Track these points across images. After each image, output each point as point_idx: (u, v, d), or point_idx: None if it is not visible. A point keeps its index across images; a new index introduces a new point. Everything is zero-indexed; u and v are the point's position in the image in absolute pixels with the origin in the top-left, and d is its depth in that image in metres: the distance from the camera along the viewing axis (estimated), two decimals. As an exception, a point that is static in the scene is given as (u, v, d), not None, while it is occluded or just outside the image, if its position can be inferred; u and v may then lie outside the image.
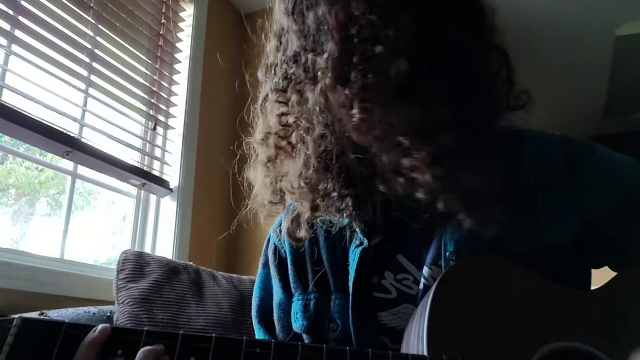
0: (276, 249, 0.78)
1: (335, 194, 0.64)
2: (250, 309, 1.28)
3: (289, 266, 0.75)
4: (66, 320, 0.50)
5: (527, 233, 0.64)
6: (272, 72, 0.66)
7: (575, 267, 0.66)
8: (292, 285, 0.74)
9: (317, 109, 0.61)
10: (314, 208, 0.65)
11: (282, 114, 0.65)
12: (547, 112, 3.62)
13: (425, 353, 0.53)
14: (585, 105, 3.49)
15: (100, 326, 0.49)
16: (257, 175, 0.72)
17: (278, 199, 0.70)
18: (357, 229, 0.68)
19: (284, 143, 0.66)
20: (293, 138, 0.65)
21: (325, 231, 0.70)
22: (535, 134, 0.71)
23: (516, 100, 0.66)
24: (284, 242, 0.76)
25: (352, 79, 0.58)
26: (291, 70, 0.63)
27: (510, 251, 0.62)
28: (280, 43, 0.65)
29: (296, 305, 0.72)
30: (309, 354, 0.50)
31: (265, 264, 0.81)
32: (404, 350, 0.60)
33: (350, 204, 0.65)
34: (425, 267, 0.65)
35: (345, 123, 0.60)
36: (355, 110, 0.58)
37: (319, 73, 0.59)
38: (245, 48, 0.92)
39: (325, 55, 0.58)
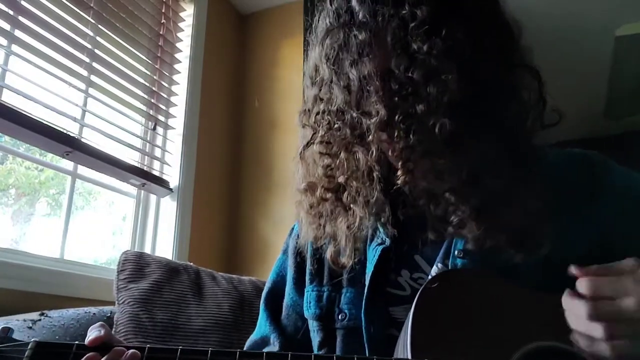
0: (298, 240, 0.81)
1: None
2: (250, 309, 1.31)
3: (308, 259, 0.79)
4: (77, 342, 0.54)
5: None
6: (313, 120, 0.68)
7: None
8: (307, 277, 0.78)
9: (371, 174, 0.63)
10: (357, 241, 0.69)
11: (328, 166, 0.67)
12: (545, 112, 3.62)
13: (409, 357, 0.55)
14: (586, 106, 3.49)
15: (131, 351, 0.54)
16: (299, 215, 0.74)
17: (322, 236, 0.72)
18: (381, 229, 0.72)
19: (329, 195, 0.68)
20: (344, 197, 0.67)
21: None
22: (555, 150, 0.72)
23: (549, 119, 0.66)
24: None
25: (395, 138, 0.59)
26: (336, 125, 0.65)
27: (516, 260, 0.63)
28: (320, 90, 0.67)
29: (310, 295, 0.76)
30: None
31: (285, 251, 0.85)
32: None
33: (387, 210, 0.69)
34: (435, 265, 0.68)
35: (396, 180, 0.62)
36: (399, 172, 0.61)
37: (369, 137, 0.61)
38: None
39: (375, 120, 0.60)
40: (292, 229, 0.87)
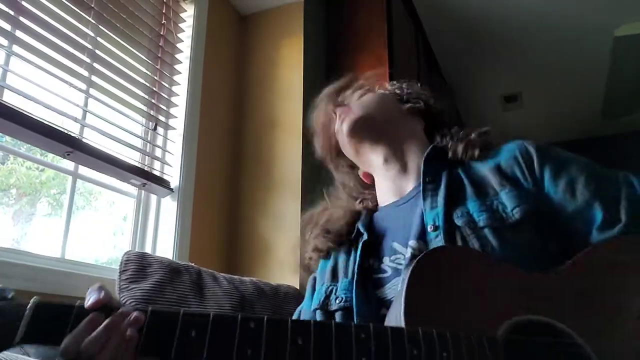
0: (314, 279, 0.99)
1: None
2: (251, 309, 1.37)
3: (317, 277, 0.96)
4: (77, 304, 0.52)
5: (490, 207, 0.78)
6: None
7: (543, 244, 0.75)
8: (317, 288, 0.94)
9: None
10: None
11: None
12: (546, 112, 3.63)
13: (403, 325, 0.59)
14: (584, 106, 3.50)
15: (135, 313, 0.52)
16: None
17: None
18: (363, 230, 0.91)
19: None
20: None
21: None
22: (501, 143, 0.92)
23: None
24: (315, 269, 0.99)
25: None
26: None
27: (477, 221, 0.77)
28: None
29: (315, 296, 0.91)
30: (299, 326, 0.55)
31: (304, 296, 1.01)
32: None
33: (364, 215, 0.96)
34: (411, 240, 0.80)
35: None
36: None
37: None
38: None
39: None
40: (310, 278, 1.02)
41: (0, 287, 0.51)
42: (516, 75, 3.13)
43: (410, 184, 0.92)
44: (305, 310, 0.93)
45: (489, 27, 2.72)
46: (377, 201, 0.99)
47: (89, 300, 0.53)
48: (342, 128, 0.95)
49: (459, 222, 0.78)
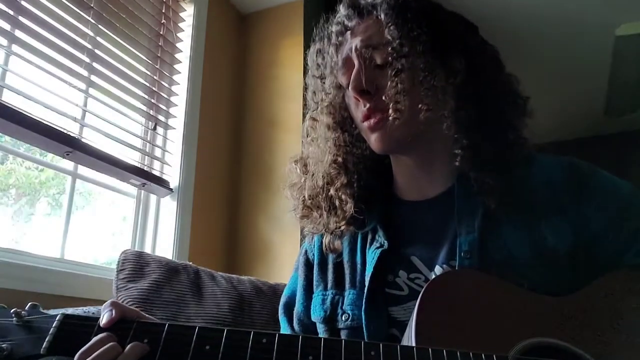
0: (306, 253, 0.90)
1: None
2: (250, 309, 1.36)
3: (315, 266, 0.86)
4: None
5: (531, 239, 0.71)
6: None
7: (575, 276, 0.70)
8: (314, 282, 0.84)
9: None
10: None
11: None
12: (547, 111, 3.63)
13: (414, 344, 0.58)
14: (586, 105, 3.49)
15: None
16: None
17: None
18: (381, 232, 0.79)
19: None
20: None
21: (350, 236, 0.83)
22: (543, 155, 0.80)
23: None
24: (314, 247, 0.88)
25: None
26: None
27: (514, 254, 0.70)
28: None
29: (316, 299, 0.82)
30: (309, 343, 0.56)
31: (297, 269, 0.92)
32: None
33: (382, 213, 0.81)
34: (437, 266, 0.73)
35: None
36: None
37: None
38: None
39: None
40: (302, 247, 0.92)
41: (32, 303, 0.59)
42: (516, 75, 3.12)
43: (434, 188, 0.80)
44: (300, 313, 0.85)
45: (488, 26, 2.72)
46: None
47: (102, 318, 0.57)
48: (370, 140, 0.78)
49: (496, 255, 0.70)
